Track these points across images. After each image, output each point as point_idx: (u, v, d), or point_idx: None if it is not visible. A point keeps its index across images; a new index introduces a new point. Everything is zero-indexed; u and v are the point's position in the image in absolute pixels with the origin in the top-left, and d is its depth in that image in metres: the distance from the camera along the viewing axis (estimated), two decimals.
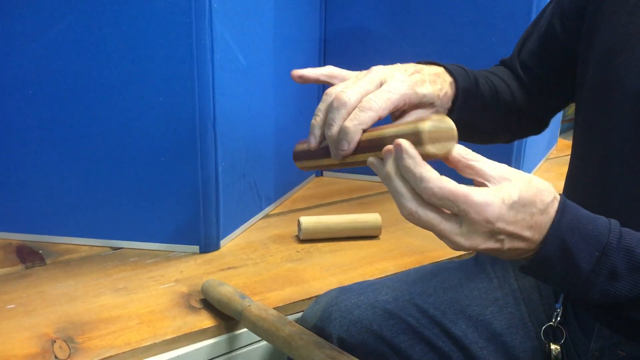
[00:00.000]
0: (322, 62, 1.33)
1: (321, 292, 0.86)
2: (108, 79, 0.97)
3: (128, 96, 0.97)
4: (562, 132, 1.86)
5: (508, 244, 0.52)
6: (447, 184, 0.49)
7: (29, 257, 1.01)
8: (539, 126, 0.87)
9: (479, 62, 1.22)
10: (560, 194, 0.54)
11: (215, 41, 0.95)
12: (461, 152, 0.52)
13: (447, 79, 0.69)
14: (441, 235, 0.51)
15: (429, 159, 0.51)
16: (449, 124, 0.51)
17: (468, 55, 1.23)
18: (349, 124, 0.57)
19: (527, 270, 0.55)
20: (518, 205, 0.51)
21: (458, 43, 1.25)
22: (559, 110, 0.85)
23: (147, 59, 0.95)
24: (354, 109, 0.58)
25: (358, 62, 1.02)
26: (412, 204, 0.51)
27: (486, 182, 0.51)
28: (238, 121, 1.07)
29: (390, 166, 0.51)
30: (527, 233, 0.52)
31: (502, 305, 0.77)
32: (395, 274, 0.90)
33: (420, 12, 1.25)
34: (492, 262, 0.83)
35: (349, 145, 0.57)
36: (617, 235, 0.52)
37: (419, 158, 0.50)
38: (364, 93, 0.59)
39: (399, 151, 0.50)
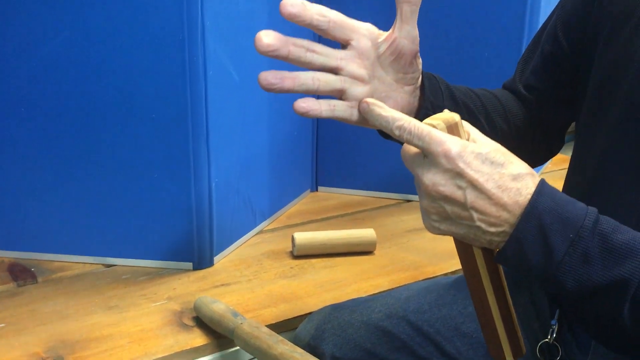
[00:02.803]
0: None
1: (315, 309, 0.86)
2: (101, 96, 0.96)
3: (121, 113, 0.97)
4: None
5: (471, 197, 0.51)
6: (415, 121, 0.53)
7: (21, 274, 1.00)
8: (549, 149, 0.85)
9: (472, 76, 1.23)
10: (541, 177, 0.54)
11: (208, 58, 0.95)
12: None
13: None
14: (409, 168, 0.54)
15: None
16: (454, 114, 0.55)
17: (461, 69, 1.23)
18: None
19: (503, 255, 0.53)
20: (484, 158, 0.51)
21: (452, 57, 1.25)
22: (567, 128, 0.83)
23: (140, 76, 0.95)
24: None
25: None
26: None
27: None
28: (232, 137, 1.07)
29: None
30: (492, 189, 0.51)
31: None
32: (389, 290, 0.89)
33: (418, 22, 1.26)
34: None
35: None
36: (592, 219, 0.52)
37: (385, 106, 0.55)
38: None
39: (366, 107, 0.56)
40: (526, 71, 0.81)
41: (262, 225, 1.21)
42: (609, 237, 0.51)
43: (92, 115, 0.97)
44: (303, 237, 1.08)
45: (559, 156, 1.70)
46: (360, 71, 0.63)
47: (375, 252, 1.11)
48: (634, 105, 0.62)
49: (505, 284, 0.58)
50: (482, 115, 0.75)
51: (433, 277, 1.00)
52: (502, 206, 0.51)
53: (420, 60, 0.67)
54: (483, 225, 0.52)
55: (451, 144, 0.51)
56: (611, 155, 0.65)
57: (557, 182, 0.74)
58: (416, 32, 0.63)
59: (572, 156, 0.75)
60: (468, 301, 0.79)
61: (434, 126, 0.52)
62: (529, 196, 0.51)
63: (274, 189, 1.24)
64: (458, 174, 0.51)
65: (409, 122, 0.52)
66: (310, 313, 0.86)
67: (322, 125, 1.38)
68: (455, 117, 0.54)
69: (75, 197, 1.01)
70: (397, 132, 0.53)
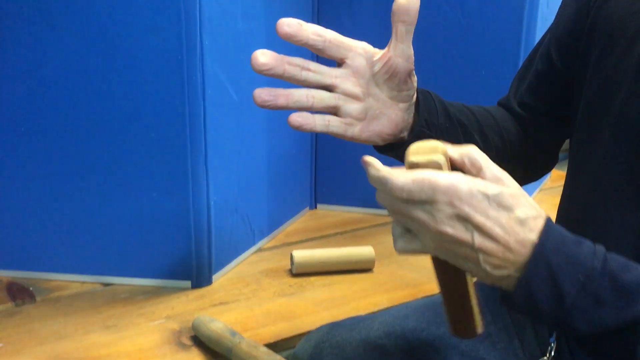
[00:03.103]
0: None
1: (313, 327, 0.86)
2: (100, 115, 0.97)
3: (120, 132, 0.97)
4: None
5: (479, 240, 0.49)
6: (410, 173, 0.49)
7: (19, 294, 1.00)
8: (544, 165, 0.85)
9: (469, 92, 1.23)
10: (547, 216, 0.53)
11: (206, 77, 0.96)
12: (462, 152, 0.52)
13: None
14: (412, 219, 0.50)
15: (421, 167, 0.50)
16: (433, 141, 0.52)
17: (458, 86, 1.24)
18: None
19: (513, 299, 0.52)
20: (493, 201, 0.49)
21: (449, 74, 1.26)
22: (561, 144, 0.84)
23: (139, 96, 0.96)
24: None
25: None
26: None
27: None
28: (230, 155, 1.07)
29: None
30: (500, 233, 0.49)
31: (496, 341, 0.76)
32: (387, 308, 0.89)
33: (413, 43, 1.27)
34: (485, 295, 0.82)
35: None
36: (601, 259, 0.51)
37: (380, 165, 0.50)
38: None
39: (364, 165, 0.51)
40: (521, 89, 0.81)
41: (261, 243, 1.21)
42: (619, 277, 0.50)
43: (91, 134, 0.98)
44: (302, 255, 1.08)
45: (557, 173, 1.71)
46: (355, 89, 0.63)
47: (374, 269, 1.11)
48: (626, 122, 0.63)
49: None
50: (476, 131, 0.75)
51: (432, 295, 1.00)
52: (509, 250, 0.50)
53: (415, 78, 0.67)
54: (488, 268, 0.51)
55: (458, 188, 0.48)
56: (604, 173, 0.65)
57: (555, 199, 0.75)
58: (411, 50, 0.64)
59: (566, 174, 0.75)
60: None
61: (436, 162, 0.50)
62: (536, 239, 0.50)
63: (273, 207, 1.24)
64: (465, 218, 0.49)
65: (405, 179, 0.49)
66: (308, 332, 0.86)
67: (320, 143, 1.38)
68: (442, 145, 0.52)
69: (73, 215, 1.02)
70: (397, 194, 0.49)
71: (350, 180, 1.40)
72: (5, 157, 1.00)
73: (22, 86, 0.97)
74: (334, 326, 0.81)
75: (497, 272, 0.51)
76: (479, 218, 0.49)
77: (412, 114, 0.69)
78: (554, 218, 0.75)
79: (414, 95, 0.68)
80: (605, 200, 0.65)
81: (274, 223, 1.26)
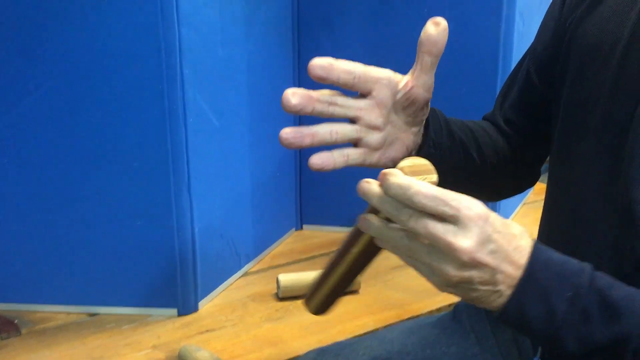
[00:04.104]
0: (297, 120, 1.34)
1: (301, 352, 0.86)
2: (82, 146, 0.97)
3: (103, 162, 0.97)
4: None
5: (498, 262, 0.50)
6: (435, 188, 0.50)
7: (4, 327, 0.99)
8: (530, 179, 0.87)
9: (449, 111, 1.25)
10: (530, 235, 0.54)
11: (187, 105, 0.97)
12: None
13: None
14: (436, 239, 0.49)
15: None
16: (423, 159, 0.54)
17: (439, 105, 1.25)
18: None
19: (505, 317, 0.53)
20: (497, 217, 0.51)
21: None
22: (544, 160, 0.85)
23: (121, 126, 0.96)
24: None
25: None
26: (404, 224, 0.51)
27: None
28: (213, 181, 1.07)
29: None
30: (511, 250, 0.51)
31: None
32: (373, 331, 0.89)
33: (392, 64, 1.28)
34: (469, 315, 0.82)
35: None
36: (588, 276, 0.52)
37: (401, 173, 0.51)
38: None
39: (383, 178, 0.51)
40: (505, 106, 0.83)
41: (247, 267, 1.21)
42: (606, 293, 0.51)
43: (74, 165, 0.98)
44: (287, 278, 1.08)
45: (540, 186, 1.72)
46: (378, 120, 0.64)
47: (360, 290, 1.11)
48: (602, 139, 0.64)
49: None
50: (474, 149, 0.76)
51: (417, 316, 1.01)
52: (520, 267, 0.51)
53: (429, 104, 0.68)
54: (502, 288, 0.51)
55: (479, 206, 0.49)
56: (582, 190, 0.66)
57: (539, 213, 0.76)
58: (432, 81, 0.64)
59: (546, 190, 0.76)
60: (451, 340, 0.79)
61: (432, 180, 0.52)
62: (526, 259, 0.51)
63: (258, 230, 1.24)
64: (489, 238, 0.50)
65: (430, 188, 0.49)
66: (295, 358, 0.86)
67: (304, 164, 1.39)
68: (429, 163, 0.54)
69: (57, 246, 1.01)
70: (416, 199, 0.49)
71: (336, 200, 1.40)
72: None
73: (3, 119, 0.97)
74: (320, 352, 0.81)
75: (509, 291, 0.51)
76: (498, 237, 0.50)
77: (420, 135, 0.70)
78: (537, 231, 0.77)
79: (424, 119, 0.69)
80: (584, 218, 0.66)
81: (260, 246, 1.26)
